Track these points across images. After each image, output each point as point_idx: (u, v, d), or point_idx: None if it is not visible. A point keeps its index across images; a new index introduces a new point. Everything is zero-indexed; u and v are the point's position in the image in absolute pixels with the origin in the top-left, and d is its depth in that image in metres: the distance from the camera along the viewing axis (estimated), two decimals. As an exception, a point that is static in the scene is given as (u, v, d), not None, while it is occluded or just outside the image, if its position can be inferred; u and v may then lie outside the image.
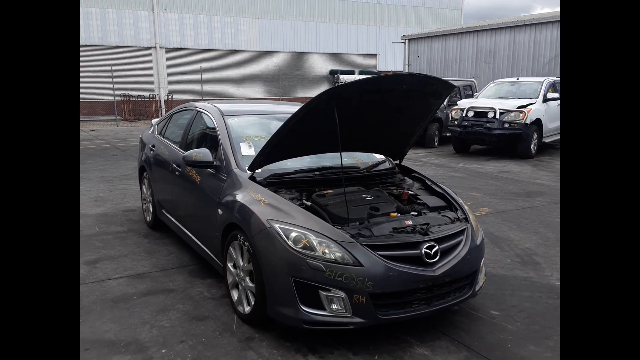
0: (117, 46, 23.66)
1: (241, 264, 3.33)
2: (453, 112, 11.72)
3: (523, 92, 11.52)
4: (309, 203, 3.34)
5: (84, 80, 22.26)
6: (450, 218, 3.43)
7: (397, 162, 4.27)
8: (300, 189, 3.59)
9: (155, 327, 3.29)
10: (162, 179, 4.98)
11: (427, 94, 3.56)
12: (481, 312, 3.53)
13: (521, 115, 10.50)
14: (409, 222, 3.21)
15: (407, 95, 3.42)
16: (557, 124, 11.33)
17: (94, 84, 22.80)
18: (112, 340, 3.12)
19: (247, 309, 3.29)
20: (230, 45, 26.25)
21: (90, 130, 17.77)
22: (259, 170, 3.58)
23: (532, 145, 10.80)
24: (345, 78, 26.54)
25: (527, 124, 10.51)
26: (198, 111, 4.70)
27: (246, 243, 3.20)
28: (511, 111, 10.62)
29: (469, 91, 14.10)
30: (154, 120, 6.07)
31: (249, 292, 3.28)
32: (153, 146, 5.33)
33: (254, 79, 26.93)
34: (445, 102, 12.44)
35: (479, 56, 18.39)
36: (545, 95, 11.10)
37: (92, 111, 23.01)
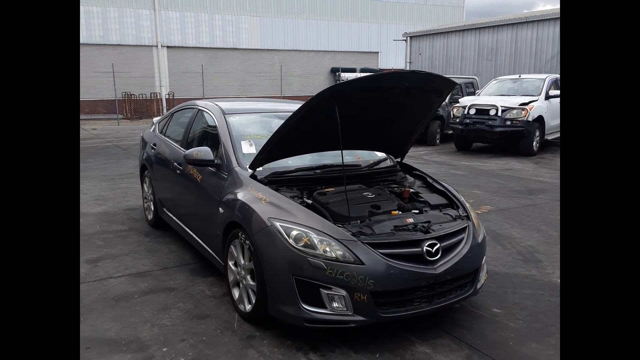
0: (119, 45, 23.67)
1: (242, 262, 3.32)
2: (455, 110, 11.70)
3: (525, 90, 11.49)
4: (310, 201, 3.33)
5: (85, 79, 22.28)
6: (451, 216, 3.42)
7: (399, 160, 4.26)
8: (301, 187, 3.58)
9: (156, 325, 3.29)
10: (163, 177, 4.98)
11: (428, 91, 3.54)
12: (483, 310, 3.52)
13: (523, 112, 10.47)
14: (410, 220, 3.20)
15: (408, 92, 3.41)
16: (559, 121, 11.31)
17: (96, 82, 22.82)
18: (113, 339, 3.13)
19: (248, 307, 3.29)
20: (231, 43, 26.24)
21: (92, 128, 17.79)
22: (260, 168, 3.58)
23: (534, 143, 10.77)
24: (347, 76, 26.49)
25: (529, 122, 10.49)
26: (199, 109, 4.69)
27: (247, 241, 3.20)
28: (513, 108, 10.60)
29: (471, 88, 14.08)
30: (155, 119, 6.07)
31: (250, 290, 3.28)
32: (154, 145, 5.33)
33: (256, 77, 26.91)
34: (447, 100, 12.41)
35: (481, 53, 18.35)
36: (547, 93, 11.06)
37: (94, 110, 23.03)
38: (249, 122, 4.27)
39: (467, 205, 3.65)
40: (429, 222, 3.23)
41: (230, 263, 3.50)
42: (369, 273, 2.86)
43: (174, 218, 4.79)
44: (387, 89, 3.34)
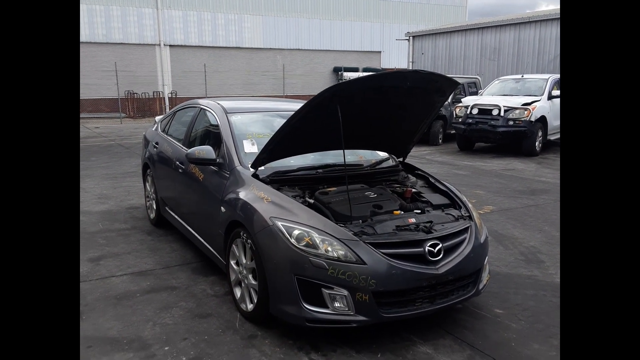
0: (121, 43, 23.70)
1: (244, 261, 3.32)
2: (457, 110, 11.68)
3: (528, 90, 11.46)
4: (311, 201, 3.33)
5: (88, 78, 22.33)
6: (453, 216, 3.41)
7: (401, 159, 4.26)
8: (303, 186, 3.58)
9: (158, 324, 3.30)
10: (165, 176, 4.98)
11: (430, 91, 3.54)
12: (485, 311, 3.51)
13: (526, 112, 10.45)
14: (412, 220, 3.19)
15: (410, 92, 3.40)
16: (562, 121, 11.27)
17: (98, 81, 22.87)
18: (115, 338, 3.13)
19: (250, 306, 3.29)
20: (234, 42, 26.25)
21: (95, 127, 17.82)
22: (262, 167, 3.58)
23: (536, 143, 10.75)
24: (349, 75, 26.48)
25: (531, 122, 10.46)
26: (201, 108, 4.69)
27: (249, 241, 3.20)
28: (516, 108, 10.57)
29: (474, 88, 14.06)
30: (158, 118, 6.07)
31: (251, 289, 3.28)
32: (156, 143, 5.33)
33: (258, 76, 26.92)
34: (449, 100, 12.40)
35: (483, 53, 18.32)
36: (550, 93, 11.04)
37: (97, 108, 23.08)
38: (251, 121, 4.27)
39: (470, 205, 3.64)
40: (431, 222, 3.22)
41: (232, 262, 3.50)
42: (370, 273, 2.85)
43: (176, 217, 4.79)
44: (390, 89, 3.33)
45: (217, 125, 4.19)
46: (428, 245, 3.01)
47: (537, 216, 5.96)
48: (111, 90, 22.15)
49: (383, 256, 2.90)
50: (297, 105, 4.40)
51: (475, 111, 11.10)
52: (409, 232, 3.09)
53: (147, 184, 5.69)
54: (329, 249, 2.89)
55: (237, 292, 3.47)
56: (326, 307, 2.90)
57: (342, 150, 3.39)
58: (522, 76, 12.26)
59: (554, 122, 11.13)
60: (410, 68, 21.02)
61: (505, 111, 10.63)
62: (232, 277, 3.52)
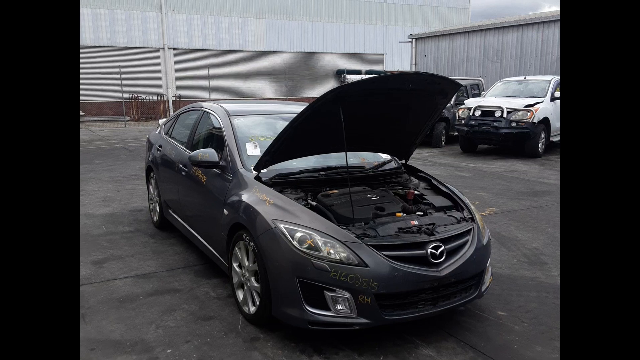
0: (126, 47, 23.77)
1: (246, 264, 3.33)
2: (460, 111, 11.67)
3: (530, 91, 11.45)
4: (314, 203, 3.33)
5: (92, 81, 22.41)
6: (456, 218, 3.41)
7: (403, 161, 4.26)
8: (306, 189, 3.59)
9: (161, 327, 3.30)
10: (168, 179, 5.00)
11: (432, 93, 3.54)
12: (487, 313, 3.50)
13: (529, 114, 10.43)
14: (415, 222, 3.19)
15: (412, 94, 3.41)
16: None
17: (103, 84, 22.94)
18: (118, 340, 3.14)
19: (253, 309, 3.29)
20: (237, 45, 26.30)
21: (99, 130, 17.88)
22: (265, 170, 3.59)
23: (539, 145, 10.73)
24: (352, 78, 26.49)
25: (534, 123, 10.44)
26: (204, 111, 4.71)
27: (251, 243, 3.20)
28: (519, 110, 10.56)
29: (476, 90, 14.03)
30: (161, 121, 6.10)
31: (254, 292, 3.28)
32: (160, 146, 5.35)
33: (262, 79, 26.96)
34: (452, 101, 12.39)
35: (486, 55, 18.30)
36: (552, 94, 11.02)
37: (101, 112, 23.15)
38: (253, 124, 4.28)
39: (472, 207, 3.64)
40: (433, 224, 3.22)
41: (235, 265, 3.51)
42: (373, 275, 2.85)
43: (179, 219, 4.80)
44: (392, 91, 3.34)
45: (220, 128, 4.20)
46: (430, 247, 3.01)
47: (539, 218, 5.95)
48: (115, 93, 22.22)
49: (385, 258, 2.90)
50: (299, 107, 4.40)
51: (478, 113, 11.09)
52: (411, 234, 3.09)
53: (150, 187, 5.71)
54: (331, 251, 2.89)
55: (240, 295, 3.48)
56: (328, 309, 2.90)
57: (344, 153, 3.40)
58: (525, 78, 12.24)
59: (557, 123, 11.10)
60: (413, 70, 21.03)
61: (508, 113, 10.61)
62: (235, 279, 3.53)
